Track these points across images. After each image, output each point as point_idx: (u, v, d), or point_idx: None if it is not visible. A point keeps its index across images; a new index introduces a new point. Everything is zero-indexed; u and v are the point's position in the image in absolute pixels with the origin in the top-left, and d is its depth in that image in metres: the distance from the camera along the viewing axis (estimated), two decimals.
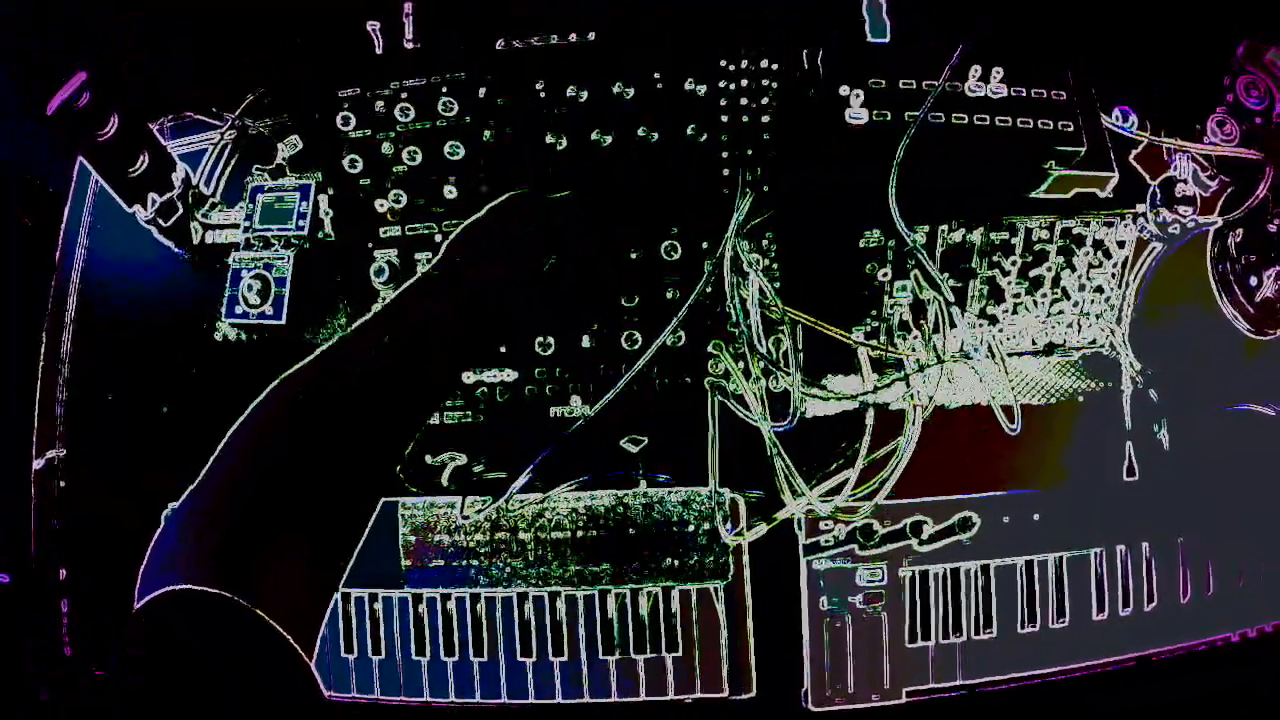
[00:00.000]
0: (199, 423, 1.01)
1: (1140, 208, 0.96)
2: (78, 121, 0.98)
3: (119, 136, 1.00)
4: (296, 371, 0.69)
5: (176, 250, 1.05)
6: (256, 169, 1.01)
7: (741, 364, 0.83)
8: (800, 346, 0.85)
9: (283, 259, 0.97)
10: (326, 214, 0.96)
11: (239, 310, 0.97)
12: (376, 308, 0.75)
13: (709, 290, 0.84)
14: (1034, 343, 0.93)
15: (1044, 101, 0.93)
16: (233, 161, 1.05)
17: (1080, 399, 0.95)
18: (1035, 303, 0.92)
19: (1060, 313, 0.93)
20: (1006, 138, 0.92)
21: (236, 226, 1.01)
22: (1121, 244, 0.93)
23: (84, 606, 1.05)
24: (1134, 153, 0.99)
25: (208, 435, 0.99)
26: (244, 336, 1.00)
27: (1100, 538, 0.93)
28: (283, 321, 0.95)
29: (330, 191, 0.96)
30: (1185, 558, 0.94)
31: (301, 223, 0.97)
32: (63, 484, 1.05)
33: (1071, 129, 0.93)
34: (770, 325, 0.83)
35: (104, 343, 1.06)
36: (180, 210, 1.04)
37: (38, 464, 1.07)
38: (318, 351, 0.69)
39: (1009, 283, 0.91)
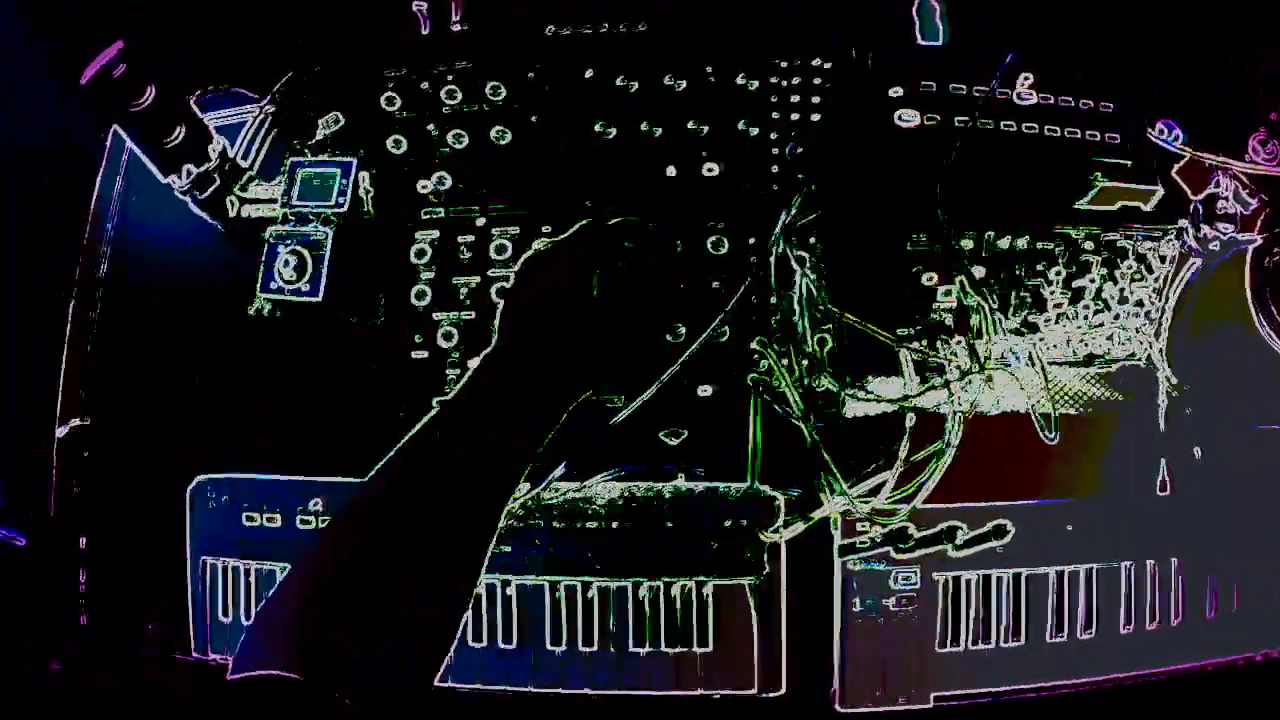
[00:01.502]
0: (229, 397, 1.02)
1: (1182, 222, 0.96)
2: (113, 91, 0.97)
3: (155, 107, 0.99)
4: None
5: (212, 222, 1.04)
6: (296, 144, 1.00)
7: (785, 362, 0.82)
8: (845, 347, 0.85)
9: (321, 236, 0.96)
10: (367, 192, 0.96)
11: (274, 286, 0.96)
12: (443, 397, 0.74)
13: (756, 287, 0.83)
14: (1074, 353, 0.93)
15: (1092, 112, 0.94)
16: (271, 136, 1.04)
17: (1116, 411, 0.95)
18: (1076, 313, 0.92)
19: (1100, 324, 0.93)
20: (1054, 147, 0.93)
21: (274, 201, 1.00)
22: (1164, 258, 0.94)
23: (104, 578, 1.04)
24: (1176, 167, 1.00)
25: (238, 409, 1.00)
26: (279, 312, 0.99)
27: (1130, 551, 0.93)
28: (319, 299, 0.94)
29: (372, 170, 0.95)
30: (1212, 575, 0.94)
31: (341, 200, 0.96)
32: (86, 453, 1.04)
33: (1118, 141, 0.94)
34: (816, 324, 0.83)
35: (133, 313, 1.05)
36: (217, 183, 1.02)
37: (61, 432, 1.05)
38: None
39: (1052, 292, 0.91)
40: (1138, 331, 0.93)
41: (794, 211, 0.82)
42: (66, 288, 1.07)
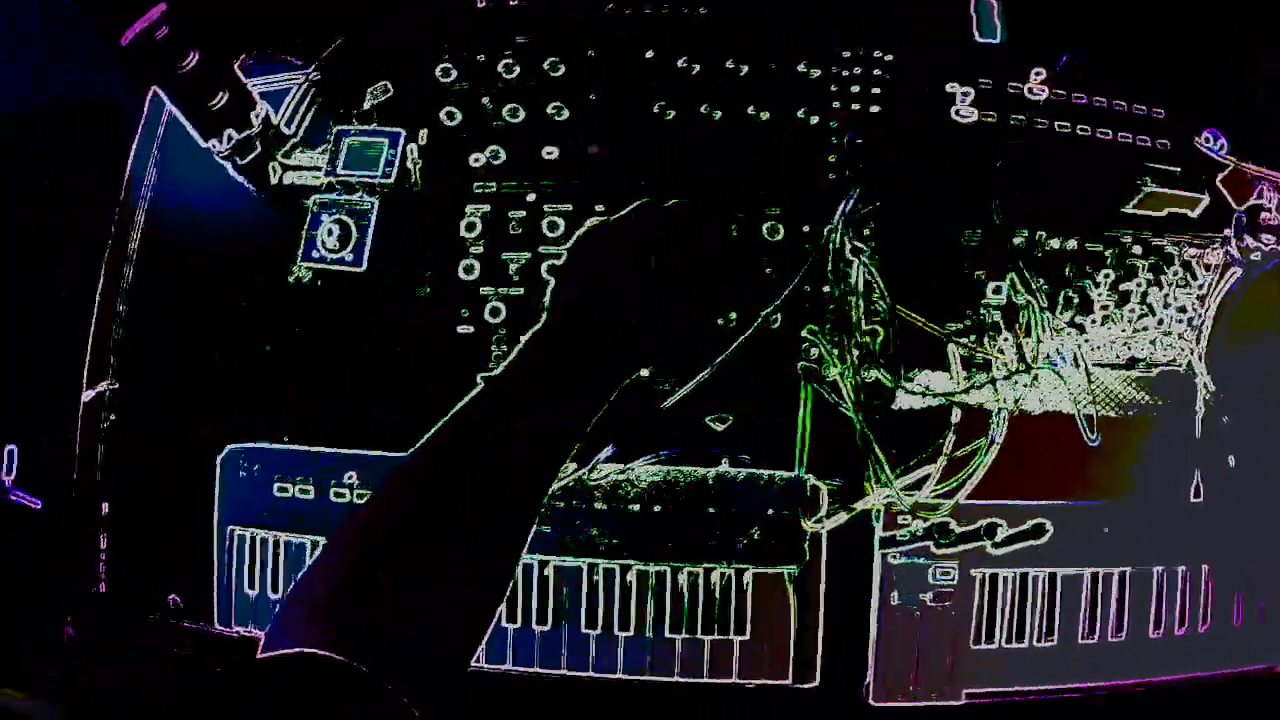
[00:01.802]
0: (265, 364, 1.00)
1: (1226, 231, 0.97)
2: (155, 54, 0.95)
3: (198, 70, 0.98)
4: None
5: (250, 188, 1.02)
6: (343, 113, 0.99)
7: (838, 352, 0.82)
8: (896, 340, 0.85)
9: (366, 205, 0.95)
10: (415, 164, 0.94)
11: (316, 254, 0.95)
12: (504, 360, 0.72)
13: (811, 275, 0.83)
14: (1116, 356, 0.94)
15: (1144, 118, 0.94)
16: (317, 104, 1.03)
17: (1154, 416, 0.96)
18: (1121, 316, 0.93)
19: (1144, 329, 0.93)
20: (1105, 150, 0.93)
21: (318, 169, 0.98)
22: (1208, 266, 0.94)
23: (125, 545, 1.02)
24: (1220, 176, 1.00)
25: (275, 377, 0.99)
26: (319, 281, 0.97)
27: (1163, 556, 0.94)
28: (363, 269, 0.93)
29: (421, 141, 0.94)
30: (1242, 584, 0.95)
31: (389, 170, 0.94)
32: (113, 417, 1.02)
33: (1168, 147, 0.94)
34: (870, 315, 0.83)
35: (167, 276, 1.03)
36: (259, 149, 1.01)
37: (87, 395, 1.04)
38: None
39: (1099, 294, 0.92)
40: (1180, 338, 0.94)
41: (853, 202, 0.82)
42: (98, 249, 1.05)
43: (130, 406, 1.02)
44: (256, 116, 1.03)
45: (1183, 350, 0.95)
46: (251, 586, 0.96)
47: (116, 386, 1.03)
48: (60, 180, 1.11)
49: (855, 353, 0.82)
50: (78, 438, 1.04)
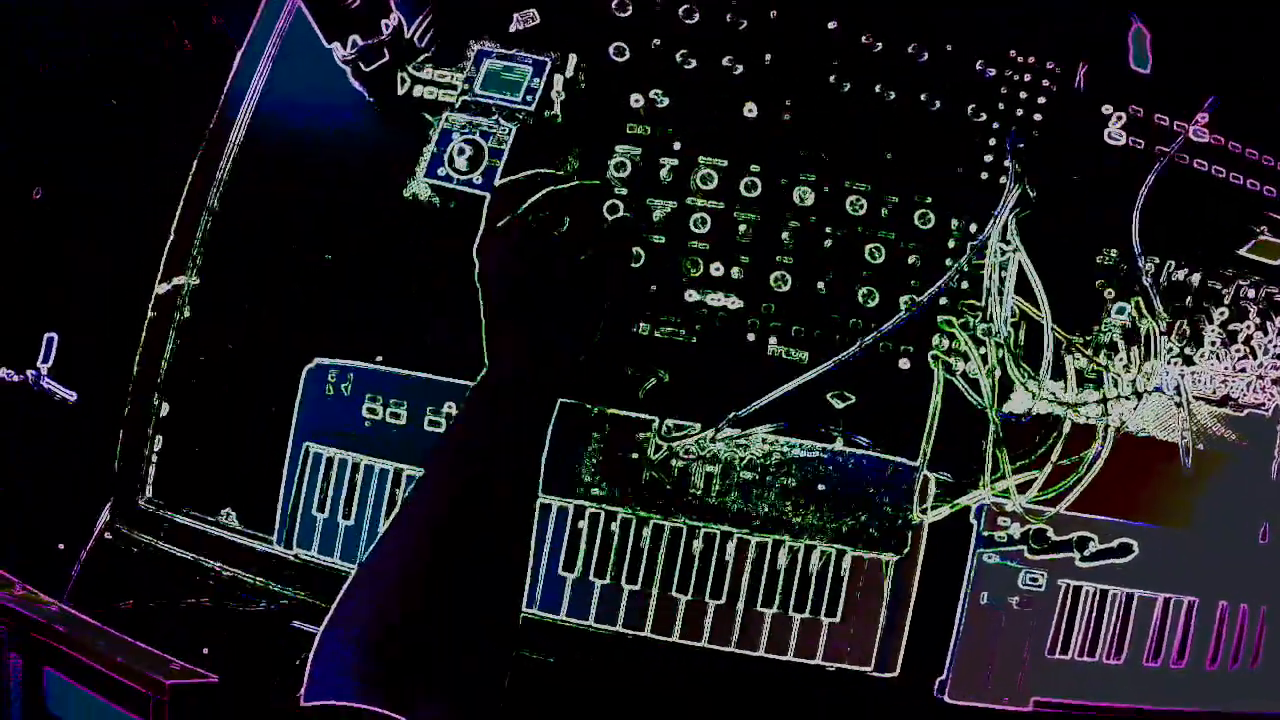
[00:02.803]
0: (366, 279, 0.96)
1: None
2: None
3: None
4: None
5: (367, 97, 0.98)
6: (486, 36, 0.95)
7: (982, 350, 0.83)
8: (1023, 343, 0.86)
9: (502, 130, 0.91)
10: (558, 95, 0.91)
11: (442, 172, 0.91)
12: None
13: (961, 270, 0.83)
14: (1213, 392, 0.96)
15: (1272, 168, 0.97)
16: (455, 21, 0.99)
17: (1236, 455, 0.99)
18: (1227, 354, 0.96)
19: (1244, 370, 0.96)
20: (1231, 193, 0.96)
21: (451, 87, 0.94)
22: None
23: (179, 452, 0.96)
24: None
25: (375, 294, 0.94)
26: (436, 200, 0.93)
27: (1230, 591, 0.97)
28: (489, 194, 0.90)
29: (568, 74, 0.91)
30: None
31: (530, 98, 0.91)
32: (187, 314, 0.96)
33: None
34: (1011, 315, 0.83)
35: (267, 178, 0.98)
36: (387, 58, 0.97)
37: (162, 288, 0.97)
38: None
39: (1210, 330, 0.94)
40: (1274, 384, 0.97)
41: (1011, 202, 0.83)
42: (196, 136, 0.99)
43: (209, 305, 0.96)
44: (388, 25, 0.98)
45: (1273, 396, 0.98)
46: (321, 509, 0.92)
47: (197, 283, 0.97)
48: (170, 61, 1.04)
49: (997, 350, 0.82)
50: (144, 331, 0.97)
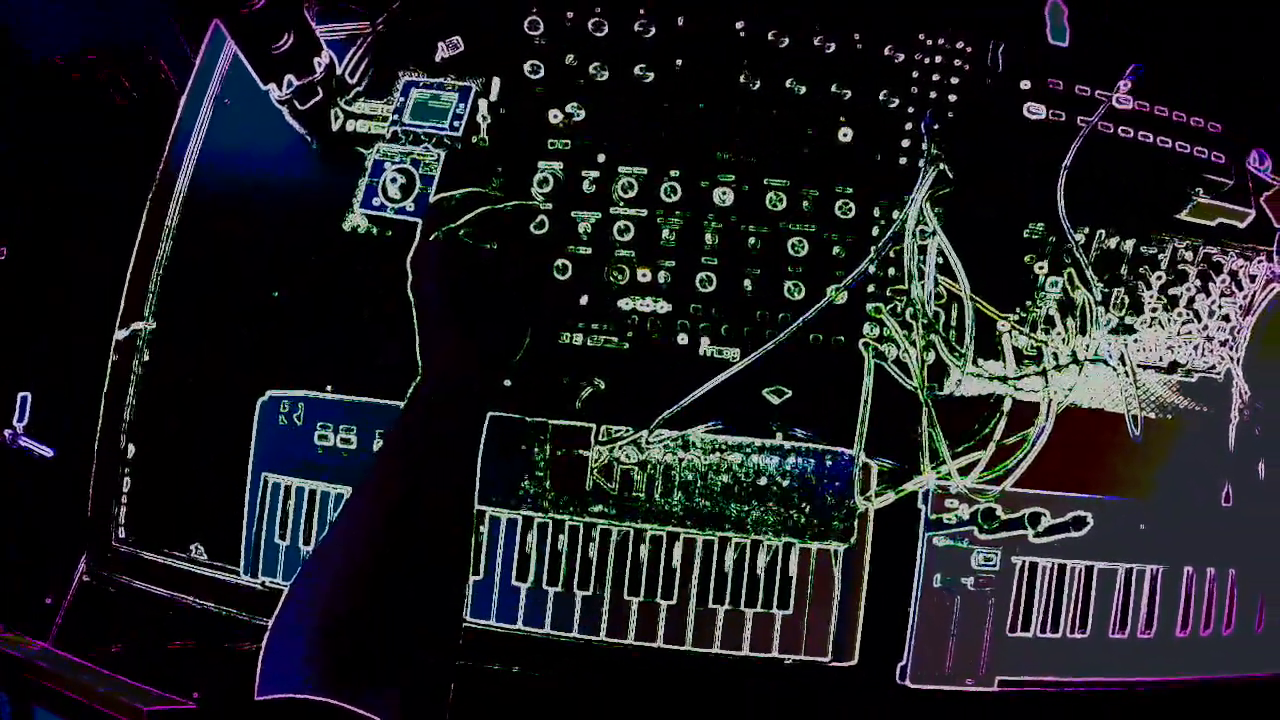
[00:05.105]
0: (312, 311, 0.99)
1: (1269, 249, 1.00)
2: None
3: (266, 10, 0.96)
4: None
5: (304, 134, 1.01)
6: (413, 66, 0.98)
7: (906, 331, 0.83)
8: (958, 323, 0.86)
9: (432, 157, 0.94)
10: (483, 119, 0.94)
11: (376, 202, 0.94)
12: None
13: (880, 254, 0.84)
14: (1160, 359, 0.96)
15: (1201, 130, 0.97)
16: (383, 54, 1.02)
17: (1190, 420, 0.98)
18: (1169, 320, 0.95)
19: (1189, 334, 0.96)
20: (1163, 158, 0.96)
21: (383, 119, 0.97)
22: (1253, 278, 0.97)
23: (148, 490, 0.99)
24: (1265, 195, 1.03)
25: (322, 325, 0.97)
26: (374, 230, 0.96)
27: (1194, 557, 0.96)
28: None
29: (492, 97, 0.93)
30: (1264, 590, 0.97)
31: (457, 124, 0.94)
32: (146, 358, 1.00)
33: (1222, 161, 0.97)
34: (936, 297, 0.84)
35: (213, 219, 1.01)
36: (320, 95, 1.00)
37: (120, 334, 1.01)
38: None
39: (1149, 296, 0.94)
40: (1222, 345, 0.96)
41: (927, 184, 0.83)
42: (144, 185, 1.03)
43: (166, 347, 0.99)
44: (320, 63, 1.02)
45: (1223, 359, 0.97)
46: (283, 537, 0.94)
47: (153, 326, 1.00)
48: (113, 111, 1.08)
49: (923, 333, 0.83)
50: (107, 377, 1.01)
